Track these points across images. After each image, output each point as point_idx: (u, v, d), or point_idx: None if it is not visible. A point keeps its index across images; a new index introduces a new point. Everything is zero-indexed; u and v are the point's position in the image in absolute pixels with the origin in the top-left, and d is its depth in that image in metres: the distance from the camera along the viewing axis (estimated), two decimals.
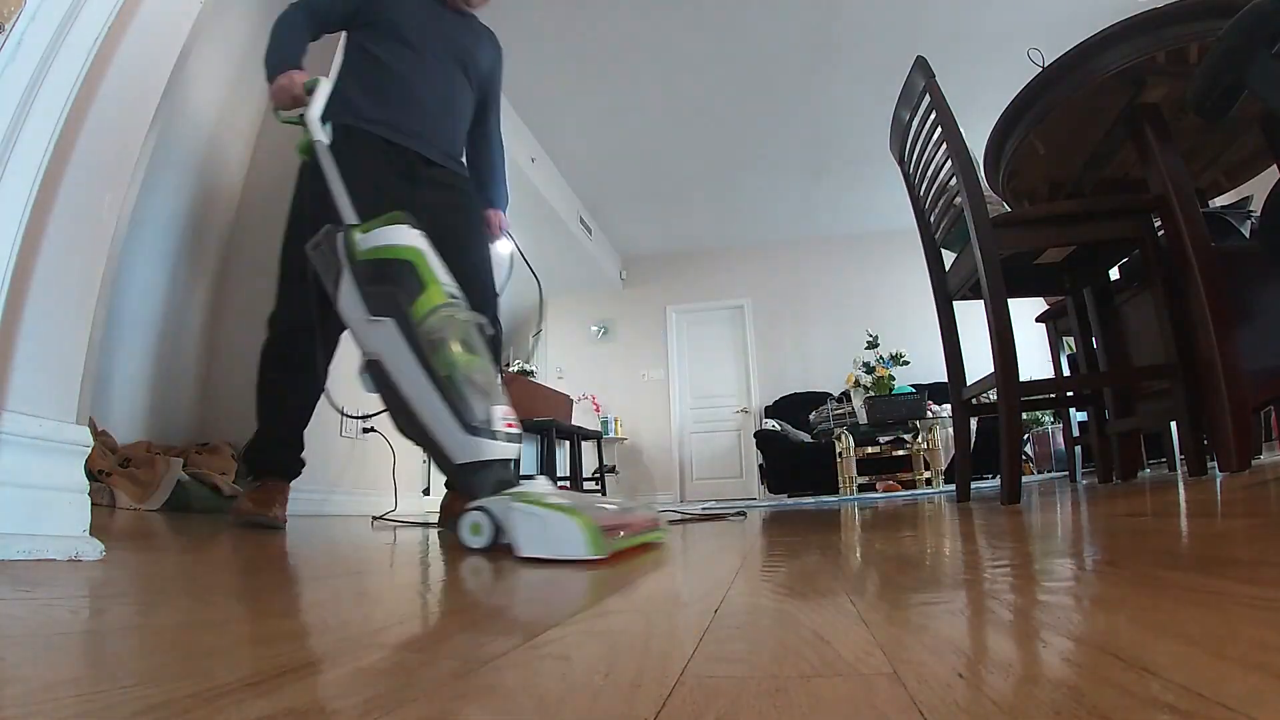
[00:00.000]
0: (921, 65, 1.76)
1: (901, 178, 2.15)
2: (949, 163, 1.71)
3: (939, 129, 1.72)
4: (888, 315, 6.31)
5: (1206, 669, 0.26)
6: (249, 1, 2.72)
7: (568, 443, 5.88)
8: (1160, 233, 1.57)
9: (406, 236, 1.22)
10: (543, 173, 5.20)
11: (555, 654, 0.38)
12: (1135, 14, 1.41)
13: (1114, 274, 2.08)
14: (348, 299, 1.18)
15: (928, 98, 1.73)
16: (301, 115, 1.49)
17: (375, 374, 1.14)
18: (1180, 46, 1.39)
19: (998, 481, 1.63)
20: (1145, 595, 0.45)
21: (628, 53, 4.13)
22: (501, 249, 2.05)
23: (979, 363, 1.63)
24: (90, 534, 0.86)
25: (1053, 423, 4.55)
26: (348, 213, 1.32)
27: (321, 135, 1.45)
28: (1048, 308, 2.89)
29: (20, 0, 0.85)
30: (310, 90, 1.52)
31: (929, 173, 1.87)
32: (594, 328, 7.37)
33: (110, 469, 1.80)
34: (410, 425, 1.13)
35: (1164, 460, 2.56)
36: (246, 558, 1.06)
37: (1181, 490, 1.44)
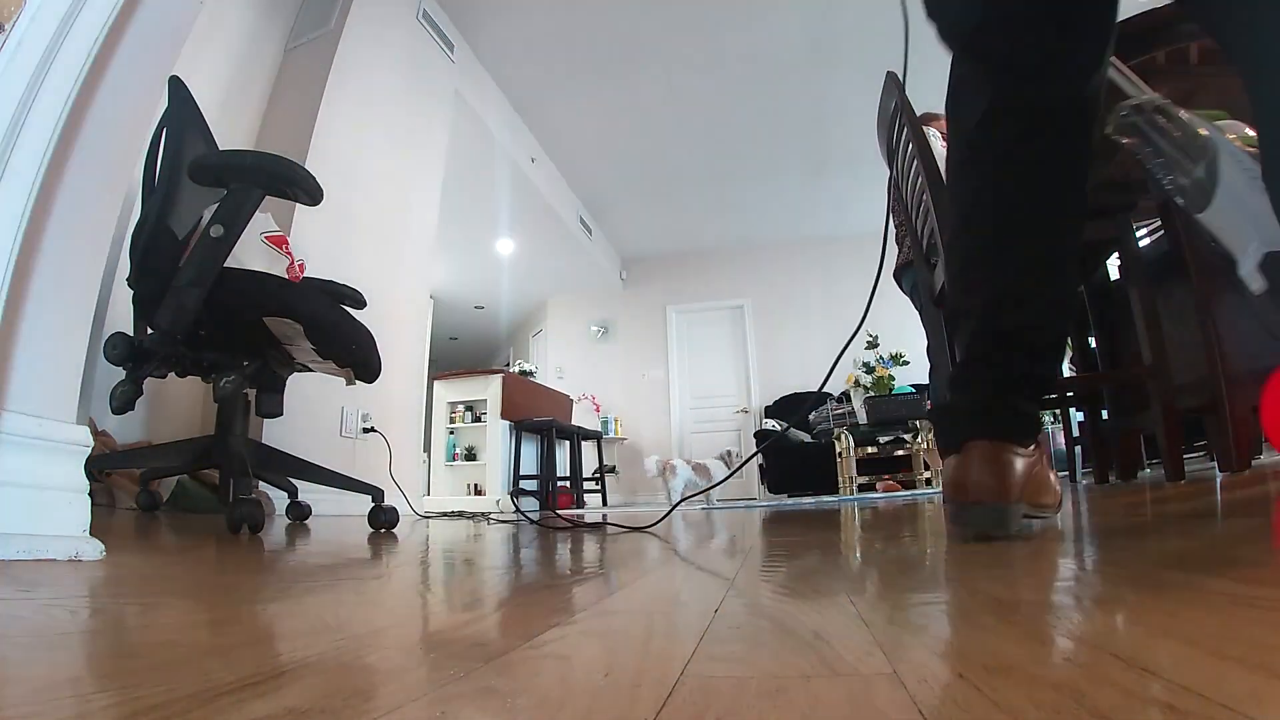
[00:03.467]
0: (894, 81, 1.71)
1: None
2: (921, 179, 1.69)
3: (915, 146, 1.69)
4: (888, 315, 6.29)
5: (1206, 669, 0.26)
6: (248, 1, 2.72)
7: (567, 442, 5.88)
8: (1162, 233, 1.57)
9: None
10: (543, 173, 5.20)
11: (555, 654, 0.38)
12: (1135, 14, 1.41)
13: (1113, 274, 2.08)
14: None
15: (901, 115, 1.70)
16: None
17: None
18: (1180, 46, 1.39)
19: None
20: (1145, 595, 0.45)
21: (628, 53, 4.13)
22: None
23: None
24: (90, 534, 0.86)
25: (1053, 423, 4.55)
26: None
27: None
28: None
29: (20, 0, 0.85)
30: None
31: (916, 189, 1.85)
32: (594, 328, 7.37)
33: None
34: None
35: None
36: (246, 558, 1.06)
37: (1180, 491, 1.44)
